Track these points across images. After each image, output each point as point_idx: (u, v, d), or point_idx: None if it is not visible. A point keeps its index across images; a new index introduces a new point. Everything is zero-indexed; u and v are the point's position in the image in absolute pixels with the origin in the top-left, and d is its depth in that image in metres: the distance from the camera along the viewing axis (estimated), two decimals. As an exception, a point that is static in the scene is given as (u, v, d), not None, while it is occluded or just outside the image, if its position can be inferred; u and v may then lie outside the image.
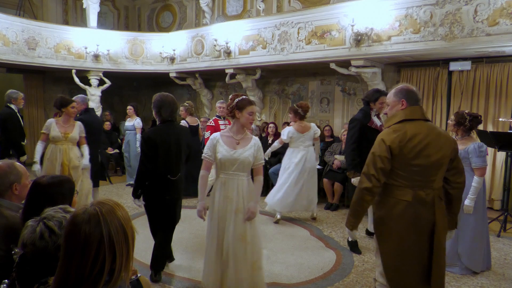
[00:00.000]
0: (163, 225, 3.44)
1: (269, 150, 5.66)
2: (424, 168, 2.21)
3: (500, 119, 5.80)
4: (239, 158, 2.82)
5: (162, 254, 3.43)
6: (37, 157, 4.52)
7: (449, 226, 2.40)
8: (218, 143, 2.86)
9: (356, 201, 2.35)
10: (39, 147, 4.50)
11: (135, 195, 3.32)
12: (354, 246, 4.25)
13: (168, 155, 3.23)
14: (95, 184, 5.16)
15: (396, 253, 2.27)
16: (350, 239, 4.31)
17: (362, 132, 4.10)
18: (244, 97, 2.89)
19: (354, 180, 4.06)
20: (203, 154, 2.93)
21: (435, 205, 2.24)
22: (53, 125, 4.50)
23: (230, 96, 2.95)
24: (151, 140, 3.21)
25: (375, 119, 4.23)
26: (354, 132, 4.15)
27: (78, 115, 4.93)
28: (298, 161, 5.14)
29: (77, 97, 5.05)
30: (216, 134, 2.94)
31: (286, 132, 5.25)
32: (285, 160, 5.33)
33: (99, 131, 5.23)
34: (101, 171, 5.45)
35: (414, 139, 2.20)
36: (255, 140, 2.94)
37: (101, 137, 5.45)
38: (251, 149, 2.87)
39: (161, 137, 3.23)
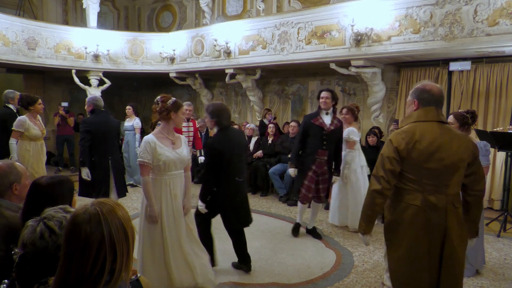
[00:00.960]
0: (234, 226, 3.56)
1: (347, 166, 4.91)
2: (436, 172, 2.11)
3: (496, 129, 5.77)
4: (180, 157, 2.96)
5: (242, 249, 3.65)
6: (16, 156, 4.54)
7: (469, 234, 2.27)
8: (157, 146, 2.85)
9: (367, 204, 2.26)
10: (15, 145, 4.57)
11: (205, 200, 3.35)
12: (295, 230, 4.73)
13: (233, 159, 3.32)
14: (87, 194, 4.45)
15: (406, 259, 2.18)
16: (309, 227, 4.74)
17: (306, 128, 4.46)
18: (174, 98, 2.97)
19: (290, 171, 4.66)
20: (140, 159, 2.86)
21: (447, 211, 2.12)
22: (29, 124, 4.65)
23: (159, 98, 2.95)
24: (216, 150, 3.26)
25: (324, 117, 4.42)
26: (299, 128, 4.74)
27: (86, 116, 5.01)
28: (363, 164, 5.06)
29: (87, 98, 4.93)
30: (150, 138, 2.89)
31: (356, 133, 4.88)
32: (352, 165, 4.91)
33: (104, 135, 4.53)
34: (92, 185, 4.45)
35: (422, 140, 2.11)
36: (183, 137, 3.18)
37: (109, 142, 4.59)
38: (185, 146, 3.07)
39: (225, 144, 3.27)
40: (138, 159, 2.89)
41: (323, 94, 4.42)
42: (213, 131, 3.46)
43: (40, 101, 4.84)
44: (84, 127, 4.47)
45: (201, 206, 3.36)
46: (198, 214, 3.44)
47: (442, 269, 2.13)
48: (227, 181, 3.33)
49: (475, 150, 2.18)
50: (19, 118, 4.72)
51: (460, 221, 2.17)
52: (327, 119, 4.40)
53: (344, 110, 4.96)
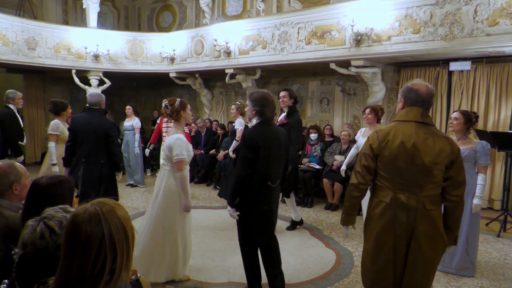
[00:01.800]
0: (259, 240, 2.98)
1: (347, 160, 5.03)
2: (407, 172, 2.12)
3: None
4: None
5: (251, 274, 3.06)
6: (55, 159, 4.65)
7: (448, 241, 2.25)
8: (187, 144, 3.27)
9: (346, 197, 2.40)
10: (54, 148, 4.68)
11: (233, 204, 2.83)
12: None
13: (269, 159, 2.84)
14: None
15: (372, 252, 2.25)
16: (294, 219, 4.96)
17: None
18: (179, 99, 3.33)
19: None
20: (181, 157, 3.16)
21: (417, 212, 2.11)
22: (63, 127, 4.84)
23: (167, 103, 3.30)
24: (253, 141, 2.79)
25: (282, 114, 4.82)
26: None
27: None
28: None
29: None
30: (182, 136, 3.25)
31: None
32: None
33: (87, 136, 4.02)
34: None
35: (395, 139, 2.13)
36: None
37: (89, 145, 4.02)
38: None
39: (263, 139, 2.81)
40: (179, 157, 3.16)
41: (281, 93, 4.71)
42: (251, 123, 2.95)
43: (69, 105, 5.09)
44: (70, 124, 4.24)
45: (230, 211, 2.86)
46: (244, 243, 3.00)
47: (406, 266, 2.18)
48: (257, 184, 2.82)
49: (452, 154, 2.12)
50: (54, 122, 4.80)
51: (434, 224, 2.14)
52: (281, 116, 4.75)
53: (367, 110, 4.61)
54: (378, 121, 4.60)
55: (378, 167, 2.23)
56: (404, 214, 2.14)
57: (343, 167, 5.09)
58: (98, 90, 9.04)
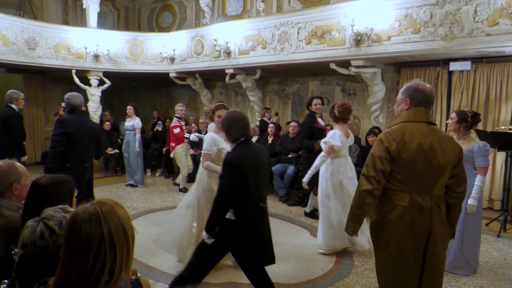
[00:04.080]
0: (265, 261, 2.80)
1: (313, 170, 4.28)
2: (423, 173, 2.12)
3: (498, 128, 5.77)
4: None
5: None
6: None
7: (449, 236, 2.31)
8: (219, 141, 3.52)
9: (356, 204, 2.24)
10: None
11: (211, 232, 2.62)
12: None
13: (258, 180, 2.66)
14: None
15: (392, 259, 2.20)
16: (307, 210, 5.45)
17: (310, 132, 5.20)
18: (217, 103, 3.78)
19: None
20: (207, 152, 3.49)
21: (432, 212, 2.13)
22: None
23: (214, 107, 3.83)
24: (239, 166, 2.53)
25: (319, 120, 5.33)
26: (304, 129, 5.37)
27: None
28: (352, 176, 4.18)
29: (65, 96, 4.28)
30: (214, 135, 3.57)
31: (337, 136, 4.09)
32: (330, 178, 4.15)
33: (84, 139, 3.89)
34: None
35: (412, 141, 2.11)
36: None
37: (87, 147, 3.97)
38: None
39: (249, 160, 2.61)
40: (206, 151, 3.51)
41: (315, 101, 5.32)
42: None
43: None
44: (61, 127, 3.77)
45: (205, 236, 2.65)
46: (203, 247, 2.77)
47: (424, 267, 2.16)
48: (251, 207, 2.64)
49: (460, 153, 2.21)
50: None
51: (443, 222, 2.21)
52: (321, 122, 5.52)
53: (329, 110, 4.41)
54: (336, 120, 4.18)
55: (392, 170, 2.16)
56: (420, 217, 2.13)
57: (306, 179, 4.33)
58: (98, 90, 9.06)
